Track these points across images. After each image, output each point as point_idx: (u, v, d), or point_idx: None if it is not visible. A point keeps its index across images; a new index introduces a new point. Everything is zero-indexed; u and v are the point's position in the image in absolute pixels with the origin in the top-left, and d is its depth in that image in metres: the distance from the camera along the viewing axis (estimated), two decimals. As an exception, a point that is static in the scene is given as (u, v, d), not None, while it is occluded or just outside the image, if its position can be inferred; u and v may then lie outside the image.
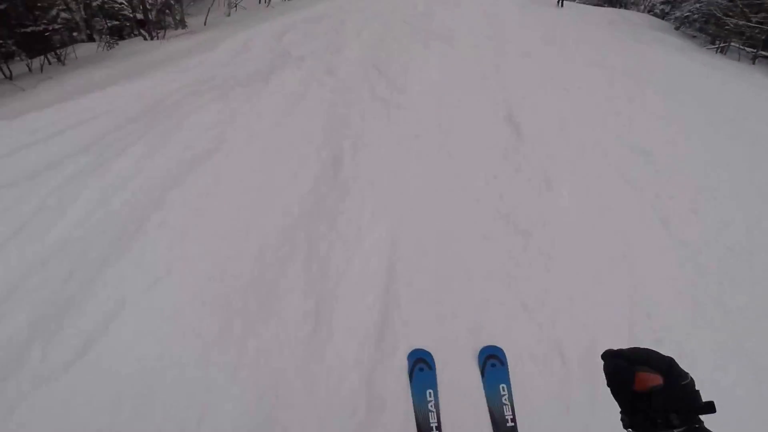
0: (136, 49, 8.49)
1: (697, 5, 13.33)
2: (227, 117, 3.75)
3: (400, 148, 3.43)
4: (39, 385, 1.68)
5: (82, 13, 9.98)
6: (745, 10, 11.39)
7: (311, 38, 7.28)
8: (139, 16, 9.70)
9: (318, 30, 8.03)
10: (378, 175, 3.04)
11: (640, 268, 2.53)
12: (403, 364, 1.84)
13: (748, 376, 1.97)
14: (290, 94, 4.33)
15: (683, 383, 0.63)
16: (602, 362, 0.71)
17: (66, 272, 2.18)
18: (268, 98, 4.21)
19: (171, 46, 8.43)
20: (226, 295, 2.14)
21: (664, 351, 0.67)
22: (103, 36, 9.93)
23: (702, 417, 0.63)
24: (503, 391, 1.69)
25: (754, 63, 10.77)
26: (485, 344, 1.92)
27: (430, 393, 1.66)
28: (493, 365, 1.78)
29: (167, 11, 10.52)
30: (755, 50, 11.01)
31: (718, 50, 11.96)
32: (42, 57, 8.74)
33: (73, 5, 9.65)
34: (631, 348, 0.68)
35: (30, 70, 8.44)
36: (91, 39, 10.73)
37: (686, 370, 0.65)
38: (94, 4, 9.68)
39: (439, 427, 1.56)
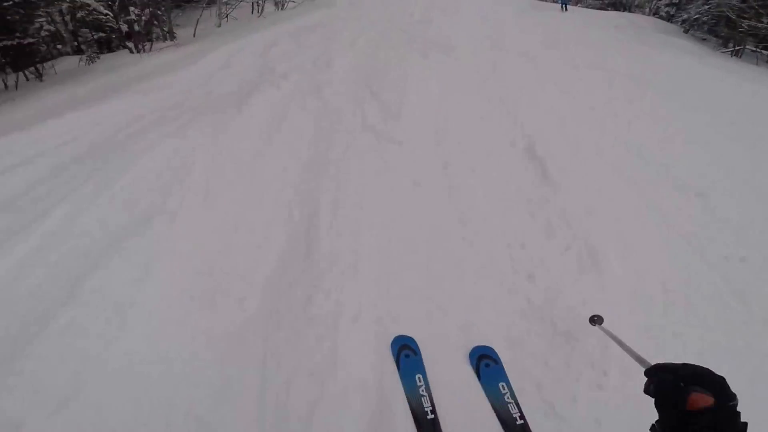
0: (117, 63, 7.73)
1: (706, 7, 12.40)
2: (184, 159, 2.95)
3: (395, 205, 2.55)
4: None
5: (68, 25, 9.23)
6: (761, 11, 10.46)
7: (300, 50, 6.49)
8: (125, 28, 8.94)
9: (309, 41, 7.23)
10: (364, 253, 2.16)
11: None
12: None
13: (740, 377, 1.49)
14: (264, 125, 3.52)
15: (731, 404, 0.60)
16: (647, 375, 0.71)
17: None
18: (237, 130, 3.41)
19: (154, 60, 7.65)
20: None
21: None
22: (88, 49, 9.19)
23: None
24: (504, 389, 1.60)
25: (771, 66, 9.88)
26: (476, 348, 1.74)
27: (419, 378, 1.60)
28: (487, 365, 1.67)
29: (155, 23, 9.75)
30: (772, 53, 10.11)
31: (733, 53, 11.06)
32: (20, 73, 8.03)
33: (57, 17, 8.90)
34: (683, 364, 0.66)
35: (6, 86, 7.72)
36: (77, 51, 9.99)
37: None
38: (78, 15, 8.92)
39: (434, 411, 1.49)
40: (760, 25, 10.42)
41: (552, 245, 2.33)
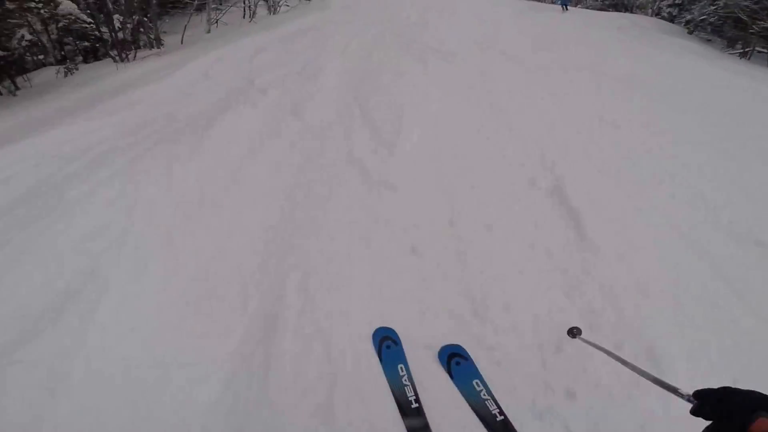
0: (95, 74, 6.95)
1: (712, 8, 11.57)
2: (118, 216, 2.20)
3: (384, 288, 1.77)
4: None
5: (50, 34, 8.42)
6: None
7: (287, 58, 5.70)
8: (107, 36, 8.16)
9: (297, 47, 6.44)
10: (344, 373, 1.43)
11: None
12: None
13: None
14: (229, 161, 2.77)
15: None
16: (698, 398, 0.71)
17: None
18: (194, 171, 2.62)
19: (134, 69, 6.88)
20: None
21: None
22: (67, 60, 8.40)
23: None
24: (478, 386, 1.45)
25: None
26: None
27: (401, 368, 1.49)
28: (458, 363, 1.52)
29: (141, 30, 8.96)
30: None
31: (743, 55, 10.26)
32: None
33: (38, 26, 8.10)
34: (748, 390, 0.66)
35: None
36: (62, 61, 9.20)
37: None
38: (60, 24, 8.12)
39: (417, 400, 1.40)
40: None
41: (598, 340, 1.61)
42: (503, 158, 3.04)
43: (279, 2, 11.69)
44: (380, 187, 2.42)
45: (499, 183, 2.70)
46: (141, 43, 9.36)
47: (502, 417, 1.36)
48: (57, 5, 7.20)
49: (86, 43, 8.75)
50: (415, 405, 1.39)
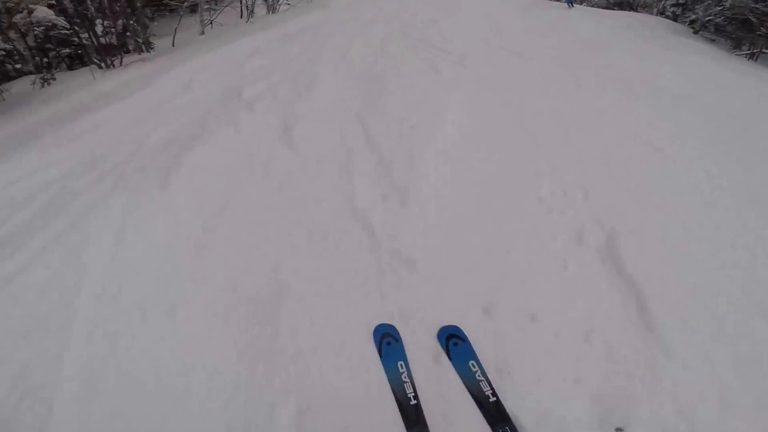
0: (72, 85, 6.12)
1: (718, 8, 10.77)
2: (57, 310, 1.50)
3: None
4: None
5: (27, 42, 7.55)
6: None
7: (281, 64, 4.90)
8: (87, 41, 7.30)
9: (294, 50, 5.62)
10: None
11: None
12: None
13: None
14: (195, 213, 2.02)
15: None
16: None
17: None
18: (146, 233, 1.92)
19: (114, 78, 6.04)
20: None
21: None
22: (52, 67, 7.55)
23: None
24: (474, 367, 1.42)
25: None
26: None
27: (401, 365, 1.44)
28: (455, 344, 1.48)
29: (128, 34, 8.09)
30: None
31: (749, 56, 9.51)
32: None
33: (12, 33, 7.23)
34: None
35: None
36: (46, 68, 8.34)
37: None
38: (36, 32, 7.25)
39: (416, 397, 1.36)
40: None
41: None
42: (540, 201, 2.28)
43: (279, 0, 10.78)
44: (393, 265, 1.67)
45: (541, 241, 1.96)
46: (130, 47, 8.51)
47: (495, 398, 1.32)
48: (31, 12, 6.33)
49: (68, 50, 7.88)
50: (413, 402, 1.35)
